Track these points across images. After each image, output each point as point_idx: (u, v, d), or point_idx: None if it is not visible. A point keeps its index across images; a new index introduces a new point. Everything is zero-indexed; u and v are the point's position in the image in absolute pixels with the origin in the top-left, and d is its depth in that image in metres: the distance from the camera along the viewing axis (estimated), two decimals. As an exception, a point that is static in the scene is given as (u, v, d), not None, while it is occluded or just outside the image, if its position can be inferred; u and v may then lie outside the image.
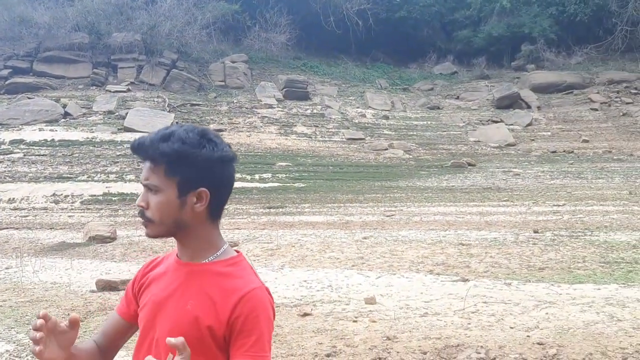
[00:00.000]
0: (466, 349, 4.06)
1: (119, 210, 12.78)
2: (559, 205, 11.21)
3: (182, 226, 1.44)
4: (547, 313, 4.90)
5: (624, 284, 5.86)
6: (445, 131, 20.23)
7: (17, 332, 4.94)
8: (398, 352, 4.07)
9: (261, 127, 18.99)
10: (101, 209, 13.02)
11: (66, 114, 18.07)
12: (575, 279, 6.15)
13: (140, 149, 1.44)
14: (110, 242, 9.47)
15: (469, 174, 15.82)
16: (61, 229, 11.28)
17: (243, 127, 18.79)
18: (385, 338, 4.34)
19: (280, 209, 12.22)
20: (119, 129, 17.16)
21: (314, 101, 21.55)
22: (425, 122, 20.91)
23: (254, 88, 21.77)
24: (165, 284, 1.48)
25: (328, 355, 4.08)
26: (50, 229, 11.30)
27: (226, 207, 1.53)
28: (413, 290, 5.93)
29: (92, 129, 17.17)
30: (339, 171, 16.09)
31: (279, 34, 24.28)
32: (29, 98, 18.74)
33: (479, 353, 3.97)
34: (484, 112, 21.89)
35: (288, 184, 14.69)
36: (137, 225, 10.91)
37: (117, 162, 15.38)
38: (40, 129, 16.97)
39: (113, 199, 13.58)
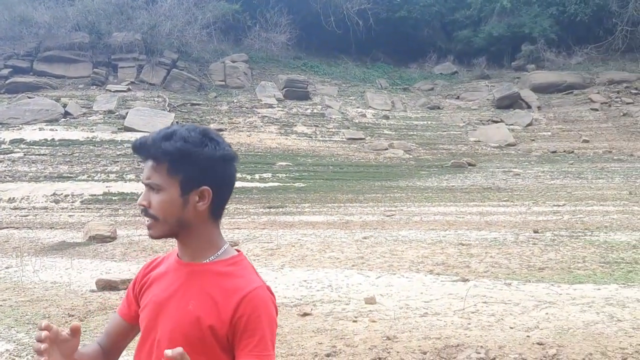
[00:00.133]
0: (466, 349, 4.06)
1: (119, 210, 12.79)
2: (559, 206, 11.20)
3: (184, 225, 1.44)
4: (547, 313, 4.91)
5: (624, 284, 5.86)
6: (445, 131, 20.23)
7: (17, 332, 4.94)
8: (398, 352, 4.07)
9: (261, 126, 18.99)
10: (101, 208, 13.02)
11: (66, 114, 18.08)
12: (575, 279, 6.15)
13: (142, 148, 1.44)
14: (110, 241, 9.48)
15: (469, 174, 15.82)
16: (61, 228, 11.29)
17: (243, 127, 18.79)
18: (385, 338, 4.34)
19: (280, 209, 12.23)
20: (119, 129, 17.16)
21: (314, 101, 21.54)
22: (425, 122, 20.92)
23: (254, 88, 21.78)
24: (166, 285, 1.48)
25: (328, 355, 4.08)
26: (51, 228, 11.31)
27: (226, 206, 1.52)
28: (413, 290, 5.93)
29: (92, 129, 17.17)
30: (339, 171, 16.08)
31: (280, 34, 24.29)
32: (29, 97, 18.75)
33: (479, 353, 3.98)
34: (484, 112, 21.89)
35: (288, 184, 14.69)
36: (137, 224, 10.92)
37: (118, 161, 15.38)
38: (40, 129, 16.97)
39: (113, 198, 13.58)
